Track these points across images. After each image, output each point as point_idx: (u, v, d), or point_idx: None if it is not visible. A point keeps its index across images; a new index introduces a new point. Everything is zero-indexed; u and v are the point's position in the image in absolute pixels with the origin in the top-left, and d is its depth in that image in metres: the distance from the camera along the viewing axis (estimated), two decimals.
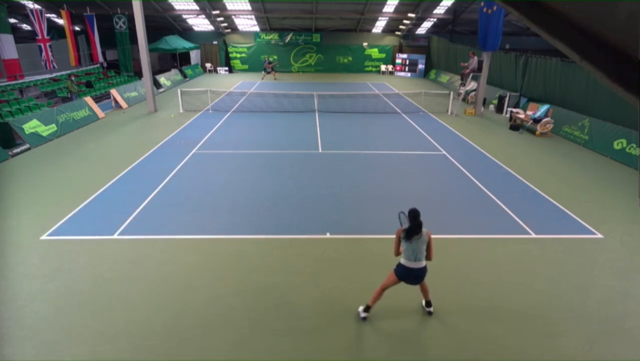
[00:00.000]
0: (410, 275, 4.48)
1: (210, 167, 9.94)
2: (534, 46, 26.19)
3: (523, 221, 7.27)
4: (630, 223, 7.27)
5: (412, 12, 26.27)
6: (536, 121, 13.52)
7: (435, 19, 28.78)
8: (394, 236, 6.68)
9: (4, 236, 6.60)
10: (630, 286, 5.50)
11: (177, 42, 27.76)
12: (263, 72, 27.83)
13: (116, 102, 17.37)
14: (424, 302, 4.99)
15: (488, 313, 4.98)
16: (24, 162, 10.35)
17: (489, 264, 5.99)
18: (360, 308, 4.85)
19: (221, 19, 27.80)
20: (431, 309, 4.91)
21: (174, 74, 25.55)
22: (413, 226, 4.33)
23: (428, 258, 4.51)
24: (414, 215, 4.35)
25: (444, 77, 26.35)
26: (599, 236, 6.82)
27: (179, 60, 28.57)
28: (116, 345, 4.38)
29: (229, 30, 30.72)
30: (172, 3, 25.49)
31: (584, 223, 7.24)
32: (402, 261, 4.48)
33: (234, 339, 4.50)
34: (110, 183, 8.85)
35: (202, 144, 11.93)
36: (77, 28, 24.71)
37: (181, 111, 16.50)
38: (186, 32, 30.50)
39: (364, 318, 4.78)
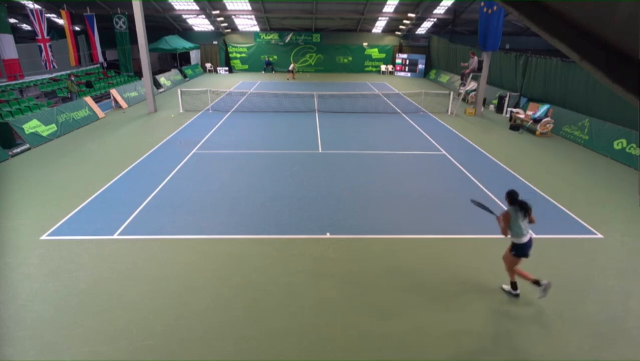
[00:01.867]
0: (526, 249, 4.92)
1: (210, 167, 9.94)
2: (534, 46, 26.23)
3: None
4: (630, 223, 7.27)
5: (412, 12, 26.27)
6: (536, 121, 13.52)
7: (435, 19, 28.78)
8: (393, 235, 6.74)
9: (4, 236, 6.61)
10: (630, 286, 5.50)
11: (177, 42, 27.76)
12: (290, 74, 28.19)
13: (116, 102, 17.37)
14: (509, 285, 5.31)
15: (487, 313, 4.98)
16: (24, 162, 10.35)
17: (488, 264, 5.99)
18: (507, 287, 5.27)
19: (221, 19, 27.80)
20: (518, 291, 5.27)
21: (174, 74, 25.56)
22: (524, 203, 4.79)
23: (533, 221, 4.93)
24: (515, 196, 4.88)
25: (444, 77, 26.35)
26: (599, 236, 6.82)
27: (179, 60, 28.58)
28: (116, 345, 4.38)
29: (229, 30, 30.72)
30: (172, 3, 25.49)
31: (584, 223, 7.24)
32: (515, 240, 4.91)
33: (234, 339, 4.49)
34: (110, 183, 8.85)
35: (202, 144, 11.93)
36: (77, 28, 24.70)
37: (181, 111, 16.50)
38: (186, 32, 30.50)
39: (517, 294, 5.21)
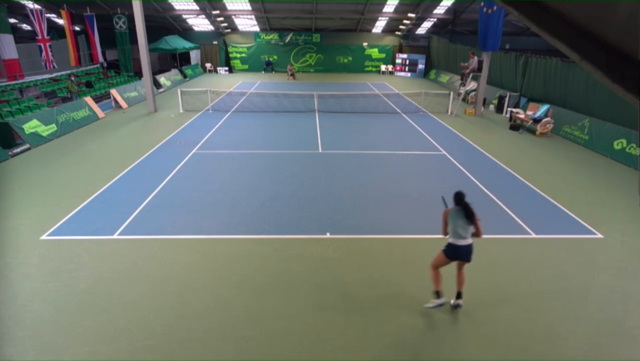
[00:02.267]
0: (458, 252, 4.69)
1: (210, 167, 9.94)
2: (534, 46, 26.23)
3: (521, 218, 7.27)
4: (630, 223, 7.27)
5: (412, 12, 26.27)
6: (536, 121, 13.52)
7: (435, 19, 28.78)
8: (393, 235, 6.74)
9: (4, 236, 6.61)
10: (630, 286, 5.50)
11: (177, 42, 27.76)
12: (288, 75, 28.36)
13: (116, 102, 17.37)
14: (456, 294, 4.97)
15: (488, 313, 4.98)
16: (24, 162, 10.35)
17: (488, 264, 5.99)
18: (431, 304, 4.84)
19: (221, 19, 27.80)
20: (460, 301, 4.94)
21: (174, 74, 25.55)
22: (467, 207, 4.59)
23: (477, 234, 4.66)
24: (460, 197, 4.64)
25: (444, 77, 26.35)
26: (599, 236, 6.82)
27: (179, 60, 28.57)
28: (116, 345, 4.38)
29: (229, 30, 30.72)
30: (172, 3, 25.48)
31: (583, 223, 7.24)
32: (450, 240, 4.71)
33: (234, 339, 4.49)
34: (110, 183, 8.85)
35: (202, 144, 11.93)
36: (77, 28, 24.69)
37: (181, 111, 16.50)
38: (186, 32, 30.49)
39: (441, 304, 4.84)
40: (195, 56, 30.45)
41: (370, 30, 31.02)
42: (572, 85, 13.68)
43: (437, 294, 4.86)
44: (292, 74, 28.09)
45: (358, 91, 22.34)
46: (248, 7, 26.39)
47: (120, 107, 17.31)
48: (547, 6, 1.19)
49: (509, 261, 6.07)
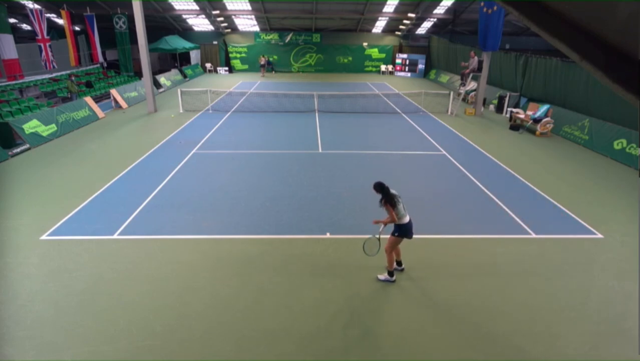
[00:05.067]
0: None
1: (210, 167, 9.94)
2: (534, 46, 26.23)
3: (521, 218, 7.26)
4: (630, 223, 7.27)
5: (412, 12, 26.27)
6: (536, 121, 13.52)
7: (435, 19, 28.78)
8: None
9: (4, 236, 6.61)
10: (630, 286, 5.50)
11: (177, 42, 27.76)
12: (262, 70, 28.77)
13: (116, 102, 17.37)
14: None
15: (488, 313, 4.98)
16: (24, 162, 10.35)
17: (488, 264, 5.99)
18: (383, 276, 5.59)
19: (221, 19, 27.81)
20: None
21: (174, 74, 25.55)
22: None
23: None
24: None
25: (444, 77, 26.35)
26: (599, 236, 6.82)
27: (179, 60, 28.57)
28: (116, 345, 4.38)
29: (229, 30, 30.72)
30: (172, 3, 25.49)
31: (584, 223, 7.24)
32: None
33: (234, 339, 4.50)
34: (110, 182, 8.85)
35: (202, 144, 11.93)
36: (77, 28, 24.69)
37: (181, 111, 16.50)
38: (186, 32, 30.50)
39: (400, 269, 5.80)
40: (195, 56, 30.46)
41: (370, 30, 31.03)
42: (572, 85, 13.68)
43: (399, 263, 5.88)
44: (264, 65, 28.58)
45: (358, 91, 22.34)
46: (248, 7, 26.40)
47: (120, 107, 17.31)
48: (547, 6, 1.19)
49: (509, 261, 6.07)
